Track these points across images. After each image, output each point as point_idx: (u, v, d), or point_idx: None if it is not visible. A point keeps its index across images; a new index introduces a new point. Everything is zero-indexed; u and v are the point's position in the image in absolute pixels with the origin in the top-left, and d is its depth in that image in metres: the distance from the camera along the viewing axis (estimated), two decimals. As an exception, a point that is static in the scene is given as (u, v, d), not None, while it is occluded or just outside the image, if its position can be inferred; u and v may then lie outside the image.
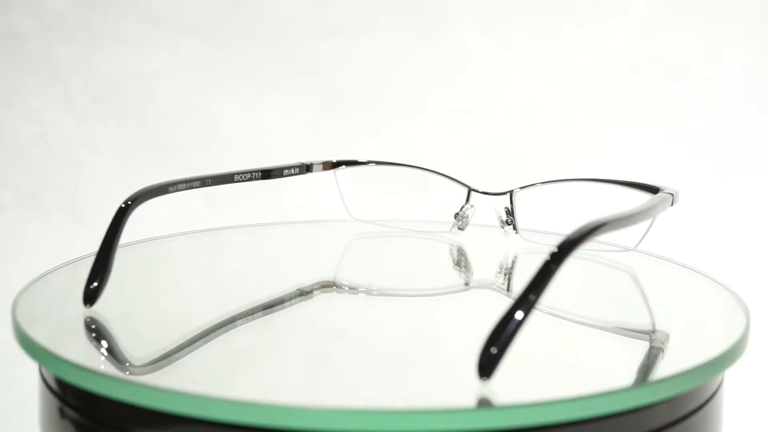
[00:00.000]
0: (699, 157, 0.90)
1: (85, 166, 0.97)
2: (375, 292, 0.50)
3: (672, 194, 0.48)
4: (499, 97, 0.93)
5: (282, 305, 0.47)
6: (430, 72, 0.95)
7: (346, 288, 0.51)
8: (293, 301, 0.48)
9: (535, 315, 0.48)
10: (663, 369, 0.39)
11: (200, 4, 0.96)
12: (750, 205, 0.88)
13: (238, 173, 0.54)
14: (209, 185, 0.53)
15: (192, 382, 0.37)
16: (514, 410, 0.33)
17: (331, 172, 0.59)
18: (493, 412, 0.33)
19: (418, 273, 0.55)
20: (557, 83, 0.93)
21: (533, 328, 0.46)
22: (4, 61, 0.97)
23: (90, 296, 0.44)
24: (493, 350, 0.34)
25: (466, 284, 0.53)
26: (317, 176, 0.59)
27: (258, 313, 0.46)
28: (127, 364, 0.39)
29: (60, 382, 0.38)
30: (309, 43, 0.95)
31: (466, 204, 0.56)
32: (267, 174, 0.56)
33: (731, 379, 0.46)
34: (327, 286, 0.51)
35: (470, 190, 0.56)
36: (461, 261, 0.57)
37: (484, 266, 0.55)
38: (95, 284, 0.44)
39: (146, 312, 0.46)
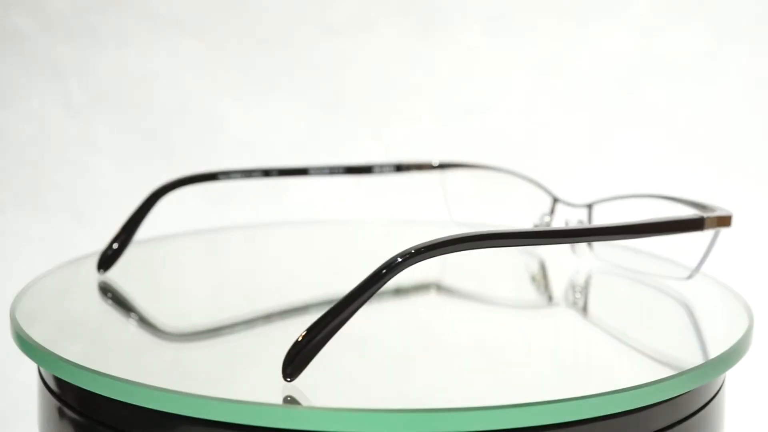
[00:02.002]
0: (699, 157, 0.90)
1: (85, 166, 0.97)
2: (440, 298, 0.50)
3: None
4: (500, 97, 0.93)
5: None
6: (430, 72, 0.95)
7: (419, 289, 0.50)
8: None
9: (535, 315, 0.48)
10: (664, 370, 0.39)
11: (200, 4, 0.96)
12: (750, 205, 0.88)
13: (313, 168, 0.52)
14: (274, 176, 0.51)
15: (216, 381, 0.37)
16: (514, 410, 0.33)
17: (434, 173, 0.57)
18: (493, 413, 0.33)
19: (496, 283, 0.52)
20: (557, 83, 0.93)
21: (533, 328, 0.46)
22: (4, 61, 0.97)
23: (105, 261, 0.47)
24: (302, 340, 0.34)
25: (546, 300, 0.51)
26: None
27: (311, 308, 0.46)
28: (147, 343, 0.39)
29: (59, 382, 0.38)
30: (309, 43, 0.95)
31: (549, 214, 0.52)
32: (352, 171, 0.53)
33: (733, 380, 0.46)
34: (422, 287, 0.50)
35: (555, 200, 0.52)
36: (539, 275, 0.54)
37: (561, 281, 0.53)
38: (115, 246, 0.46)
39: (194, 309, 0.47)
